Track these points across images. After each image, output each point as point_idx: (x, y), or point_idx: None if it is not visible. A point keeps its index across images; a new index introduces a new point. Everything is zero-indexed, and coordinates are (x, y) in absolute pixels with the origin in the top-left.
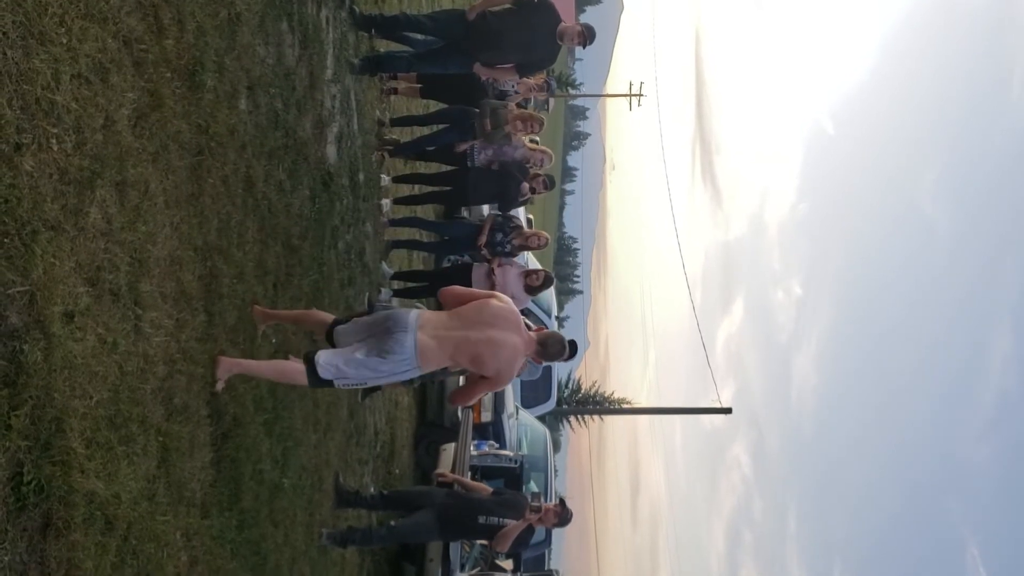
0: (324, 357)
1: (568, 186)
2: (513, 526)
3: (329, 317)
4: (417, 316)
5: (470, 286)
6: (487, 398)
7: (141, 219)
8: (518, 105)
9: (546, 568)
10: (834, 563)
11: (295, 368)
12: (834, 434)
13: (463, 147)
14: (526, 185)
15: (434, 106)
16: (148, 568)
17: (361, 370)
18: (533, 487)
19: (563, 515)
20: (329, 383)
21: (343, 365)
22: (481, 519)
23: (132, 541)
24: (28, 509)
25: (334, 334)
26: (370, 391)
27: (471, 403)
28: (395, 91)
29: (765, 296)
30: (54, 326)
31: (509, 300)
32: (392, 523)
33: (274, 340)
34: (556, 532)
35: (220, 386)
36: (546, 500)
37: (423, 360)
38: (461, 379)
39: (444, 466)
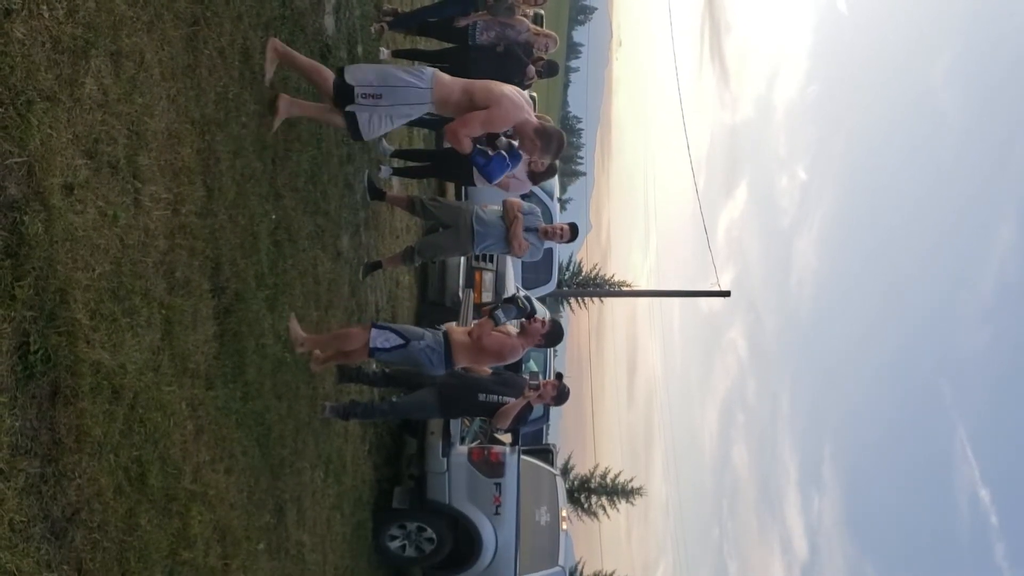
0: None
1: (573, 63)
2: (512, 404)
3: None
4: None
5: (471, 167)
6: (488, 278)
7: (137, 91)
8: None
9: (544, 443)
10: (824, 443)
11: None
12: (832, 319)
13: (464, 22)
14: (531, 68)
15: None
16: (155, 436)
17: (383, 78)
18: (532, 366)
19: (560, 393)
20: (350, 90)
21: (369, 72)
22: (481, 397)
23: (139, 410)
24: (36, 377)
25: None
26: (371, 268)
27: (465, 131)
28: None
29: (769, 180)
30: (54, 198)
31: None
32: (394, 399)
33: (274, 216)
34: (553, 410)
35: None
36: (544, 379)
37: (437, 85)
38: (462, 264)
39: None
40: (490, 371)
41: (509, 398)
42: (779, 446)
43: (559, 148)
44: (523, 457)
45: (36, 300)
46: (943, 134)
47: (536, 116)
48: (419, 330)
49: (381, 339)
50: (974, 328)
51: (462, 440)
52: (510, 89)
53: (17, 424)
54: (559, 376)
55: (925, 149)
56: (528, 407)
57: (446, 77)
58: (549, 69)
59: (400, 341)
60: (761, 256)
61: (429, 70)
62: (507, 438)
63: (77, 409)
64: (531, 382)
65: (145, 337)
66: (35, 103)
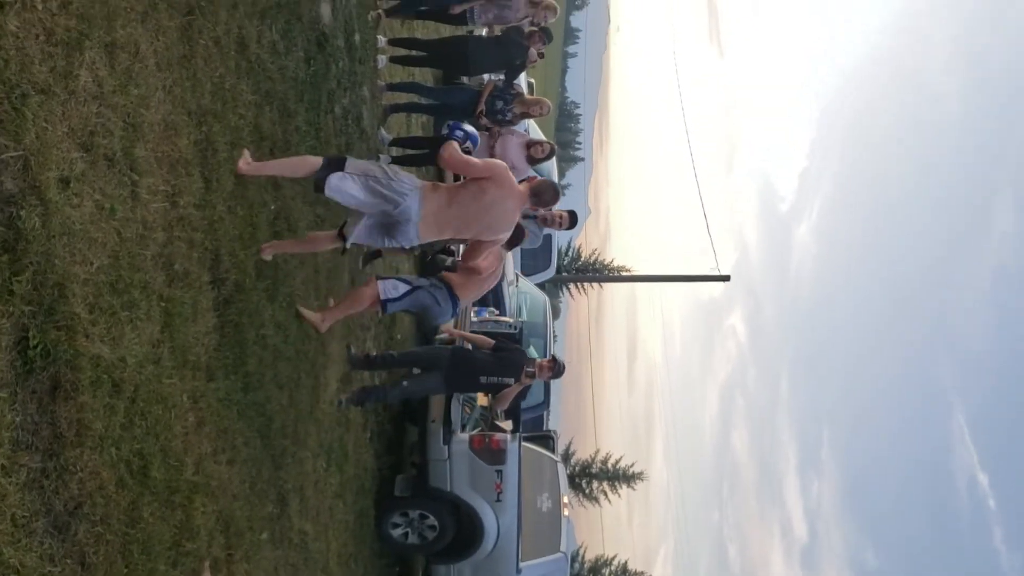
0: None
1: (571, 48)
2: (511, 388)
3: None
4: (419, 209)
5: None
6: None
7: (133, 82)
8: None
9: (544, 429)
10: (823, 427)
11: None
12: (830, 302)
13: (459, 8)
14: (533, 51)
15: None
16: (156, 429)
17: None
18: (532, 352)
19: (556, 368)
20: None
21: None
22: (483, 379)
23: (140, 403)
24: (36, 372)
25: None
26: (370, 258)
27: (480, 259)
28: None
29: (769, 165)
30: (50, 192)
31: (502, 168)
32: (404, 383)
33: (273, 206)
34: (554, 396)
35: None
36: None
37: (424, 239)
38: (460, 251)
39: (445, 329)
40: (492, 343)
41: (509, 380)
42: (778, 430)
43: (553, 200)
44: (524, 444)
45: (34, 295)
46: (942, 117)
47: (532, 99)
48: (419, 278)
49: (390, 287)
50: (973, 313)
51: (463, 427)
52: (499, 228)
53: (18, 419)
54: (553, 357)
55: (924, 132)
56: (527, 387)
57: (431, 227)
58: (544, 36)
59: (407, 287)
60: (761, 241)
61: (413, 231)
62: (508, 425)
63: (78, 403)
64: (527, 369)
65: (145, 330)
66: (30, 96)
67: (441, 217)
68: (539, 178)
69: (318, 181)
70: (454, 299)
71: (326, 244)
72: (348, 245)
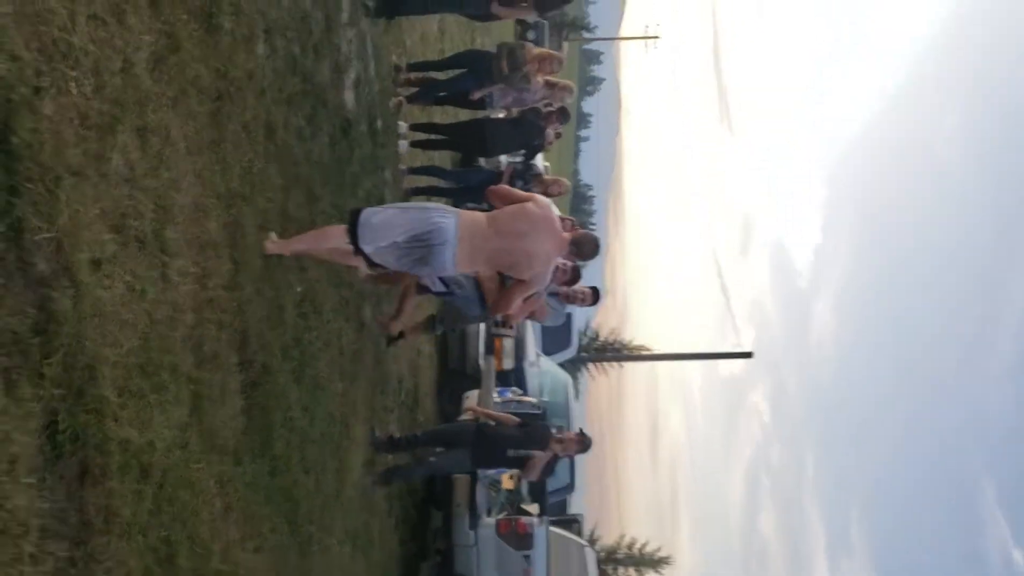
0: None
1: (583, 132)
2: (540, 457)
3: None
4: (456, 230)
5: None
6: (508, 345)
7: (164, 165)
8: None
9: (569, 513)
10: (851, 506)
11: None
12: (852, 378)
13: (479, 94)
14: (551, 131)
15: (450, 50)
16: (184, 514)
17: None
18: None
19: (583, 441)
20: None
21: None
22: (510, 452)
23: (168, 488)
24: (64, 457)
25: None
26: (394, 340)
27: (512, 309)
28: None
29: (785, 241)
30: (82, 274)
31: (547, 202)
32: (431, 459)
33: (299, 288)
34: (579, 479)
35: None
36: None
37: (459, 269)
38: (481, 332)
39: (469, 408)
40: (518, 421)
41: (536, 451)
42: (805, 508)
43: (593, 253)
44: (551, 528)
45: (64, 378)
46: (950, 188)
47: (550, 178)
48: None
49: (432, 280)
50: (998, 387)
51: (489, 512)
52: (538, 256)
53: (46, 506)
54: (580, 430)
55: (935, 202)
56: (554, 458)
57: (465, 257)
58: (561, 116)
59: (444, 287)
60: (780, 317)
61: (449, 254)
62: (534, 508)
63: (106, 489)
64: (556, 435)
65: (173, 413)
66: (63, 179)
67: (478, 239)
68: (581, 229)
69: (351, 225)
70: (483, 305)
71: (349, 260)
72: (374, 270)
